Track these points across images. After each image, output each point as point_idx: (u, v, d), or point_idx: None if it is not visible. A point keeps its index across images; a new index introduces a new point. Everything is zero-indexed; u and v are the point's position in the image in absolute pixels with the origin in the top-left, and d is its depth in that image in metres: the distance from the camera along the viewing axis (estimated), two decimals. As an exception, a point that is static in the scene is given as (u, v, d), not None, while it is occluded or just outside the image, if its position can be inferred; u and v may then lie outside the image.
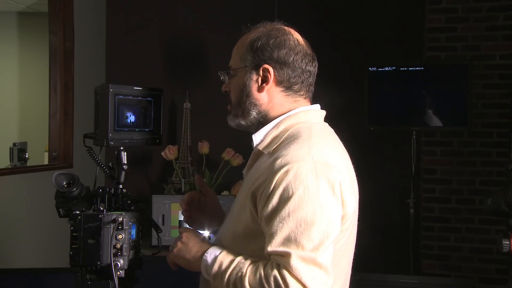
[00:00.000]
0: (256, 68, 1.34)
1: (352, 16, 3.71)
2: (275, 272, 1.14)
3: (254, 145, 1.35)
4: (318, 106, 1.41)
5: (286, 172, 1.18)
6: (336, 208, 1.20)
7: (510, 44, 3.37)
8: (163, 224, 3.03)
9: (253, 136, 1.35)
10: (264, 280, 1.15)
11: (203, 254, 1.28)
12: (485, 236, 3.38)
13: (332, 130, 1.38)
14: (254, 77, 1.34)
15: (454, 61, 3.37)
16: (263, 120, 1.35)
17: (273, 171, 1.20)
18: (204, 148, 3.53)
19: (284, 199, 1.17)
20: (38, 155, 4.75)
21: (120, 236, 1.31)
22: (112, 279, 1.28)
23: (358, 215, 1.35)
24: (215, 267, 1.23)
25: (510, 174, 2.04)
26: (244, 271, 1.18)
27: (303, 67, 1.35)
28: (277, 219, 1.16)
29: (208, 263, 1.25)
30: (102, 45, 3.99)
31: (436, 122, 3.19)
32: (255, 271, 1.17)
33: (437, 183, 3.49)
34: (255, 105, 1.35)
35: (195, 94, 3.78)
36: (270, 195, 1.18)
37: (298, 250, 1.13)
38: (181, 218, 3.11)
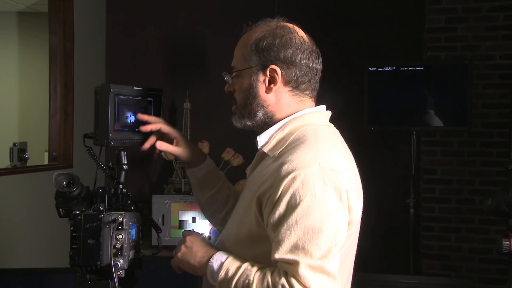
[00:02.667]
0: (263, 68, 1.32)
1: (352, 16, 3.71)
2: (283, 280, 1.14)
3: (259, 147, 1.34)
4: (323, 107, 1.40)
5: (293, 178, 1.16)
6: (343, 214, 1.19)
7: (510, 44, 3.37)
8: (163, 224, 3.03)
9: (258, 137, 1.34)
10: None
11: (208, 259, 1.27)
12: (485, 236, 3.38)
13: (337, 132, 1.38)
14: (261, 78, 1.32)
15: (454, 61, 3.38)
16: (269, 121, 1.34)
17: (279, 177, 1.18)
18: (204, 148, 3.52)
19: (292, 206, 1.15)
20: (38, 155, 4.75)
21: (120, 236, 1.30)
22: (112, 279, 1.28)
23: (359, 216, 1.35)
24: (222, 273, 1.22)
25: (510, 174, 2.04)
26: (251, 278, 1.18)
27: (310, 65, 1.34)
28: (285, 226, 1.15)
29: (214, 269, 1.24)
30: (102, 45, 3.99)
31: (436, 122, 3.19)
32: (262, 279, 1.17)
33: (437, 183, 3.49)
34: (262, 106, 1.33)
35: (195, 94, 3.78)
36: (277, 202, 1.17)
37: (306, 258, 1.13)
38: (182, 218, 3.11)
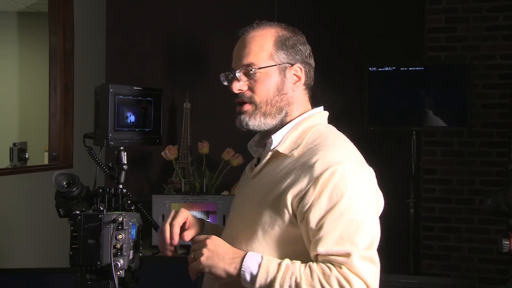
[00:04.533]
0: (291, 66, 1.35)
1: (352, 16, 3.71)
2: (335, 272, 1.15)
3: (273, 147, 1.34)
4: (322, 107, 1.44)
5: (332, 173, 1.20)
6: (376, 205, 1.27)
7: (510, 44, 3.37)
8: (163, 224, 3.02)
9: (272, 136, 1.35)
10: (324, 282, 1.15)
11: (241, 260, 1.22)
12: (485, 236, 3.38)
13: None
14: (289, 75, 1.35)
15: (454, 61, 3.37)
16: (284, 119, 1.36)
17: (315, 174, 1.21)
18: (204, 148, 3.53)
19: (334, 200, 1.19)
20: (38, 155, 4.75)
21: (120, 236, 1.30)
22: (112, 279, 1.28)
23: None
24: (262, 273, 1.19)
25: (510, 174, 2.04)
26: (298, 274, 1.17)
27: (313, 65, 1.41)
28: (329, 219, 1.18)
29: (251, 269, 1.20)
30: (102, 45, 3.99)
31: (436, 122, 3.18)
32: (310, 274, 1.17)
33: (437, 183, 3.49)
34: (288, 103, 1.35)
35: (195, 94, 3.78)
36: (317, 198, 1.20)
37: (355, 248, 1.16)
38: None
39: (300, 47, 1.36)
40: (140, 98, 1.51)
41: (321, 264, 1.18)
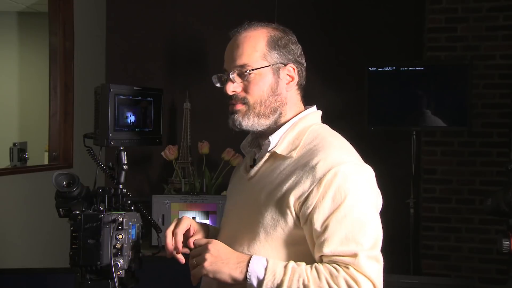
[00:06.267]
0: (283, 67, 1.34)
1: (352, 16, 3.71)
2: (343, 273, 1.16)
3: (270, 148, 1.34)
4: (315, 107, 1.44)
5: (335, 174, 1.21)
6: (376, 204, 1.28)
7: (510, 44, 3.37)
8: (163, 224, 3.03)
9: (270, 137, 1.34)
10: (332, 283, 1.16)
11: (247, 264, 1.21)
12: (485, 236, 3.38)
13: None
14: (282, 75, 1.34)
15: (454, 61, 3.37)
16: (278, 120, 1.35)
17: (317, 175, 1.21)
18: (204, 148, 3.53)
19: (338, 201, 1.20)
20: (38, 155, 4.75)
21: (120, 236, 1.30)
22: (112, 279, 1.28)
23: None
24: (269, 276, 1.18)
25: (510, 174, 2.04)
26: (305, 276, 1.17)
27: (304, 65, 1.40)
28: (333, 220, 1.19)
29: (257, 274, 1.19)
30: (102, 45, 3.99)
31: (436, 122, 3.18)
32: (318, 275, 1.17)
33: (437, 183, 3.49)
34: (282, 104, 1.35)
35: (195, 94, 3.78)
36: (321, 199, 1.20)
37: (361, 248, 1.17)
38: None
39: (292, 46, 1.35)
40: (140, 98, 1.51)
41: (327, 265, 1.18)
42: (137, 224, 1.40)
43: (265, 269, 1.19)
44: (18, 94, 5.85)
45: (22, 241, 3.11)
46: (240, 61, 1.33)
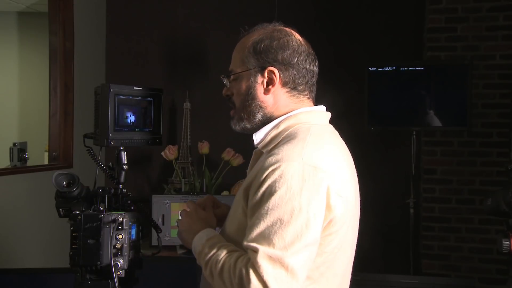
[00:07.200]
0: (261, 70, 1.33)
1: (352, 16, 3.71)
2: (242, 266, 1.16)
3: (255, 144, 1.36)
4: (323, 107, 1.40)
5: (274, 170, 1.19)
6: (318, 212, 1.19)
7: (510, 44, 3.37)
8: (163, 224, 3.02)
9: (253, 135, 1.35)
10: (231, 272, 1.17)
11: (193, 237, 1.31)
12: (485, 236, 3.38)
13: (335, 132, 1.38)
14: (259, 79, 1.34)
15: (454, 61, 3.37)
16: (267, 121, 1.35)
17: (263, 169, 1.21)
18: (204, 148, 3.53)
19: (266, 196, 1.18)
20: (38, 155, 4.75)
21: (120, 236, 1.31)
22: (112, 279, 1.28)
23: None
24: (199, 248, 1.28)
25: (510, 174, 2.04)
26: (220, 258, 1.21)
27: (307, 67, 1.36)
28: (256, 214, 1.18)
29: (195, 243, 1.30)
30: (102, 45, 3.99)
31: (436, 122, 3.19)
32: (229, 261, 1.20)
33: (437, 183, 3.49)
34: (261, 107, 1.35)
35: (195, 94, 3.78)
36: (256, 191, 1.20)
37: (267, 247, 1.14)
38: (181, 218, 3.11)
39: (277, 49, 1.32)
40: (140, 98, 1.51)
41: (243, 256, 1.19)
42: (137, 224, 1.40)
43: (203, 241, 1.28)
44: (18, 94, 5.85)
45: (22, 241, 3.11)
46: (230, 66, 1.40)
